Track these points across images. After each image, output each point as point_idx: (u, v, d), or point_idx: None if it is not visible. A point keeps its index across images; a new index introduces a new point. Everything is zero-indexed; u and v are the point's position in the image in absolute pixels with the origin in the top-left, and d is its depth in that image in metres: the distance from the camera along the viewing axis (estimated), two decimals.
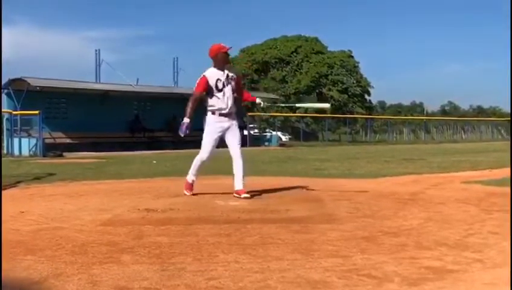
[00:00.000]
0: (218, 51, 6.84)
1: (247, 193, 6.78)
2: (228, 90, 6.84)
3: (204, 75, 6.83)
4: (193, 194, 6.96)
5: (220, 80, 6.81)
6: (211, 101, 6.86)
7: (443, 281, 3.10)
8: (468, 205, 6.24)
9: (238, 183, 6.82)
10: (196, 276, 3.16)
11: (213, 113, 6.87)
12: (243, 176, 6.84)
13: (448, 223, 5.02)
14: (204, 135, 6.93)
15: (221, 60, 6.85)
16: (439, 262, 3.52)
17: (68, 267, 3.39)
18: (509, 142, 26.13)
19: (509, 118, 47.06)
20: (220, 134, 6.89)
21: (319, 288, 2.96)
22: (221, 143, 6.98)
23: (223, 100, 6.82)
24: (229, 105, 6.86)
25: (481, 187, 8.18)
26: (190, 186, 7.04)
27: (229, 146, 6.98)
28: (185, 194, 6.96)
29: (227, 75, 6.86)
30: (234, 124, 6.97)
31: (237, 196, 6.73)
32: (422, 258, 3.61)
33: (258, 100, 7.65)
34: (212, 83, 6.79)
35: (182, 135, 6.91)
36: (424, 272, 3.27)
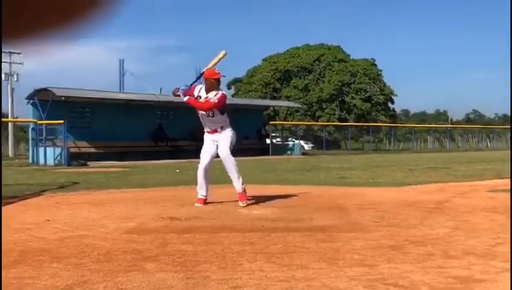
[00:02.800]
0: (209, 76, 7.04)
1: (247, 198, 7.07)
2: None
3: (224, 94, 7.16)
4: (206, 203, 7.05)
5: (200, 97, 7.05)
6: (225, 119, 7.23)
7: None
8: (495, 214, 6.14)
9: (236, 185, 7.09)
10: (221, 284, 3.15)
11: (204, 133, 7.30)
12: (238, 177, 7.06)
13: (476, 232, 4.94)
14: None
15: (208, 85, 7.04)
16: (467, 271, 3.46)
17: (93, 275, 3.40)
18: None
19: None
20: (212, 145, 7.15)
21: None
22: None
23: (204, 122, 7.21)
24: (208, 126, 7.16)
25: (508, 196, 8.03)
26: (201, 201, 7.11)
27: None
28: (245, 205, 6.98)
29: (207, 98, 7.00)
30: (222, 135, 7.15)
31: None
32: (450, 268, 3.55)
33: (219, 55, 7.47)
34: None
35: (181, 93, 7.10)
36: (452, 282, 3.22)
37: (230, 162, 7.02)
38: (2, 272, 3.39)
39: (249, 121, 28.44)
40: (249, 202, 7.04)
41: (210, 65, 7.10)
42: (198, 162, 7.23)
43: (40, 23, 0.77)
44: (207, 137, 7.22)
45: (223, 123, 7.15)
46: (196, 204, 6.99)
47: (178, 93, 7.07)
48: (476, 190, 9.06)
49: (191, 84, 7.15)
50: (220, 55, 7.16)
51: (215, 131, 7.13)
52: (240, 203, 6.90)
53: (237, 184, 7.03)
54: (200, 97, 7.02)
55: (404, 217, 5.88)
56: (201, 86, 7.15)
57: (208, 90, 7.01)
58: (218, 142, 7.13)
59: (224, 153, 7.04)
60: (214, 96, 6.95)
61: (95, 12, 0.78)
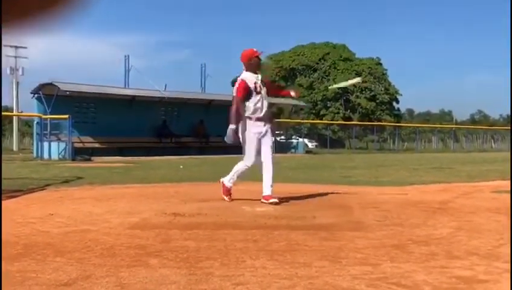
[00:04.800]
0: (251, 55, 6.87)
1: (276, 198, 6.72)
2: (264, 93, 6.86)
3: (242, 79, 6.83)
4: (232, 200, 6.95)
5: (257, 83, 6.82)
6: (248, 106, 6.80)
7: None
8: (499, 215, 6.13)
9: (267, 189, 6.76)
10: (223, 281, 3.15)
11: (250, 118, 6.81)
12: (272, 182, 6.79)
13: (479, 233, 4.93)
14: (247, 142, 6.84)
15: (255, 64, 6.87)
16: (470, 272, 3.45)
17: (97, 269, 3.41)
18: None
19: None
20: (259, 139, 6.85)
21: None
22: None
23: (260, 104, 6.81)
24: (265, 109, 6.86)
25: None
26: (229, 192, 7.00)
27: (261, 151, 6.90)
28: (224, 200, 6.92)
29: (261, 80, 6.90)
30: (268, 129, 6.94)
31: (265, 201, 6.68)
32: (453, 268, 3.54)
33: (292, 93, 7.69)
34: (251, 86, 6.78)
35: (229, 142, 6.90)
36: (455, 282, 3.21)
37: (272, 168, 6.80)
38: (2, 265, 3.40)
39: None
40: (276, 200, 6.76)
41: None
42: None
43: (25, 9, 0.78)
44: (256, 127, 6.82)
45: None
46: (226, 198, 6.95)
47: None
48: (480, 191, 9.04)
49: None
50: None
51: (267, 120, 6.90)
52: (271, 201, 6.65)
53: (269, 190, 6.74)
54: (256, 82, 6.79)
55: (408, 217, 5.88)
56: (243, 76, 6.86)
57: (254, 71, 6.84)
58: (265, 135, 6.86)
59: (271, 156, 6.86)
60: (263, 81, 6.91)
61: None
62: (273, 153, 6.96)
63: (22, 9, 0.77)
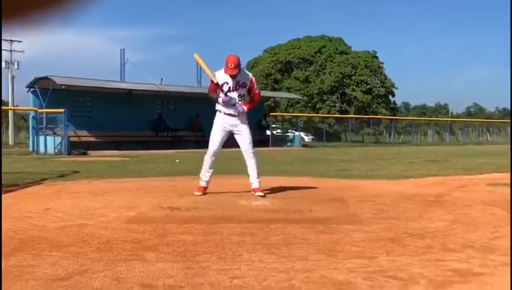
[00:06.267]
0: (226, 64, 6.90)
1: (262, 191, 6.98)
2: (234, 95, 6.93)
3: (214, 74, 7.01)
4: (204, 193, 7.05)
5: (227, 84, 6.91)
6: (219, 100, 7.02)
7: (469, 284, 3.06)
8: (494, 208, 6.15)
9: (254, 182, 7.04)
10: (220, 275, 3.16)
11: (220, 111, 7.07)
12: (257, 175, 7.03)
13: (475, 226, 4.95)
14: (212, 132, 7.13)
15: (227, 71, 6.91)
16: (465, 265, 3.47)
17: (93, 263, 3.41)
18: None
19: None
20: (225, 131, 7.03)
21: (344, 289, 2.94)
22: (233, 143, 7.14)
23: (228, 103, 6.94)
24: (234, 108, 6.95)
25: (507, 189, 8.04)
26: (201, 189, 7.11)
27: (241, 149, 7.13)
28: (195, 194, 7.03)
29: (238, 82, 6.93)
30: (241, 123, 7.04)
31: (253, 194, 6.96)
32: (449, 261, 3.56)
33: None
34: (220, 83, 6.93)
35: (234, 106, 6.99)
36: (450, 275, 3.23)
37: (255, 161, 7.04)
38: (2, 272, 3.41)
39: (249, 112, 28.28)
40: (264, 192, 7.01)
41: (208, 73, 7.11)
42: (203, 153, 7.21)
43: (28, 6, 0.77)
44: (223, 119, 7.02)
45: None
46: (196, 192, 7.00)
47: (232, 111, 6.96)
48: (476, 184, 9.07)
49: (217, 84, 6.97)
50: (199, 60, 7.35)
51: (237, 115, 7.00)
52: (258, 194, 6.92)
53: (255, 181, 7.02)
54: (227, 83, 6.87)
55: (403, 210, 5.90)
56: (214, 73, 6.99)
57: (233, 77, 6.89)
58: (237, 130, 7.01)
59: (251, 151, 7.02)
60: (249, 82, 6.96)
61: None
62: (251, 147, 7.05)
63: (24, 8, 0.77)
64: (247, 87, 6.98)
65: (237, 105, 6.91)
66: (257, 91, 7.10)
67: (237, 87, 6.92)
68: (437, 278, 3.15)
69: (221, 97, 6.94)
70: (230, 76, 6.87)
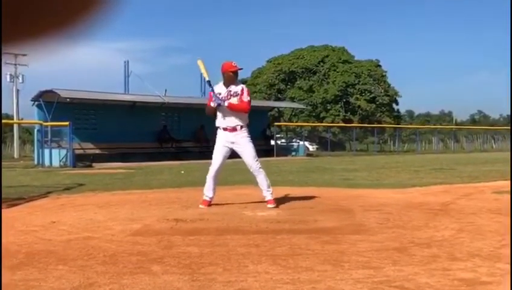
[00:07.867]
0: (226, 70, 7.00)
1: (274, 202, 6.96)
2: (225, 104, 6.94)
3: (211, 91, 7.09)
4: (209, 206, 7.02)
5: (220, 94, 6.97)
6: (217, 115, 7.08)
7: None
8: (500, 216, 6.13)
9: (266, 195, 7.02)
10: (226, 286, 3.16)
11: (218, 128, 7.12)
12: (268, 187, 7.02)
13: (481, 234, 4.93)
14: (214, 150, 7.16)
15: (227, 78, 7.02)
16: (472, 274, 3.46)
17: (99, 277, 3.41)
18: None
19: None
20: (226, 147, 7.02)
21: None
22: (237, 154, 7.14)
23: (221, 115, 7.00)
24: (227, 120, 6.98)
25: None
26: (205, 203, 7.08)
27: (245, 163, 7.12)
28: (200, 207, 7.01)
29: (230, 91, 6.98)
30: (240, 139, 7.02)
31: (267, 205, 6.93)
32: (455, 270, 3.55)
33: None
34: (215, 92, 7.00)
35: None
36: (457, 284, 3.21)
37: (263, 175, 7.03)
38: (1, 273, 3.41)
39: (253, 122, 27.96)
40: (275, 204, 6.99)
41: (205, 76, 7.21)
42: (207, 164, 7.21)
43: (40, 25, 0.76)
44: (223, 136, 7.03)
45: (245, 121, 7.07)
46: (200, 206, 6.99)
47: (214, 105, 6.98)
48: (481, 192, 9.04)
49: (212, 90, 7.05)
50: (201, 65, 7.37)
51: (235, 129, 7.00)
52: (270, 205, 6.90)
53: (267, 194, 7.00)
54: (220, 93, 6.95)
55: (409, 219, 5.88)
56: (215, 86, 7.08)
57: (226, 85, 6.99)
58: (237, 145, 7.00)
59: (255, 165, 7.01)
60: (240, 91, 6.97)
61: (95, 12, 0.77)
62: (256, 162, 7.03)
63: (32, 27, 0.76)
64: (238, 96, 7.02)
65: (222, 102, 6.91)
66: (245, 100, 7.03)
67: (229, 97, 6.98)
68: (444, 287, 3.14)
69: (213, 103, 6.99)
70: (233, 72, 6.96)
